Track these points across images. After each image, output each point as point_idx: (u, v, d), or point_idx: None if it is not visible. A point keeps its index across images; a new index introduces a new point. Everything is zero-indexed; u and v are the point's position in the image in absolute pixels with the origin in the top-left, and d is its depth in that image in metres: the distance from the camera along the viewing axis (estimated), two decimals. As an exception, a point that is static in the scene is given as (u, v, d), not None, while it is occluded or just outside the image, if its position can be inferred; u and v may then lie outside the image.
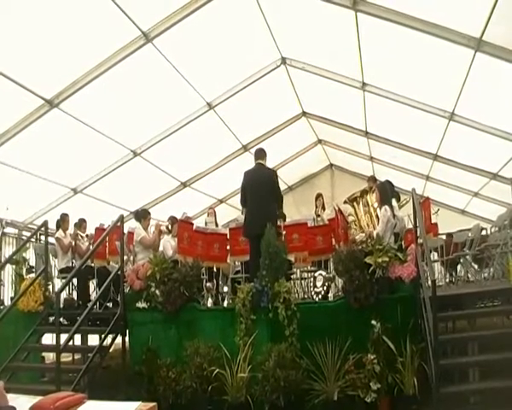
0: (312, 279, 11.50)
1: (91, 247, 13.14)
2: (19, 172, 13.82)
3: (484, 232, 14.57)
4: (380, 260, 9.77)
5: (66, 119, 12.97)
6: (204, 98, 15.24)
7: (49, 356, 12.50)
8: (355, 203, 12.42)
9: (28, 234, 14.43)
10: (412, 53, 12.20)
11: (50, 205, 15.81)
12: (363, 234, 11.63)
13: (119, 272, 11.50)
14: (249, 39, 13.47)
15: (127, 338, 11.31)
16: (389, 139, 17.77)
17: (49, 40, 10.72)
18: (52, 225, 13.47)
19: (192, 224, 13.02)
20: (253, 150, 15.82)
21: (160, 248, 13.07)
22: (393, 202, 11.51)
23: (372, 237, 10.69)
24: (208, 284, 11.58)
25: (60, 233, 13.49)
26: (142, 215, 13.45)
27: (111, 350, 11.21)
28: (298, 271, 13.18)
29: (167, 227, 13.59)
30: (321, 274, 11.13)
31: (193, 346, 10.19)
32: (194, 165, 18.61)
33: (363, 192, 12.46)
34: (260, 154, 11.94)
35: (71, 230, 13.80)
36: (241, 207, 12.46)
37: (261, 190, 11.38)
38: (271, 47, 14.40)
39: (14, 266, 13.07)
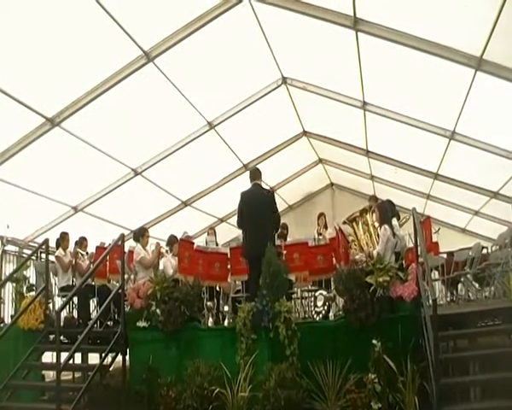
0: (313, 299, 11.51)
1: (92, 265, 13.15)
2: (20, 191, 13.82)
3: (485, 251, 14.56)
4: (381, 279, 9.77)
5: (67, 137, 12.99)
6: (205, 117, 15.27)
7: (49, 374, 12.47)
8: (354, 224, 12.42)
9: (29, 252, 14.40)
10: (413, 72, 12.24)
11: (51, 223, 15.79)
12: (363, 254, 11.63)
13: (119, 291, 11.52)
14: (250, 59, 13.51)
15: (127, 357, 11.31)
16: (390, 158, 17.80)
17: (51, 59, 10.77)
18: (53, 244, 13.49)
19: (193, 243, 13.01)
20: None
21: (161, 267, 13.06)
22: (394, 221, 11.50)
23: (372, 256, 10.68)
24: (209, 304, 11.56)
25: (60, 252, 13.49)
26: (139, 234, 13.50)
27: (111, 369, 11.18)
28: (298, 290, 13.18)
29: (167, 251, 13.59)
30: (321, 294, 11.13)
31: (193, 365, 10.17)
32: (195, 184, 18.62)
33: (363, 211, 12.46)
34: (255, 174, 11.93)
35: (71, 248, 13.79)
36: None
37: (259, 210, 11.36)
38: (272, 67, 14.46)
39: (14, 284, 13.05)
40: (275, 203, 11.79)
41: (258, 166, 12.49)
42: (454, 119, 13.46)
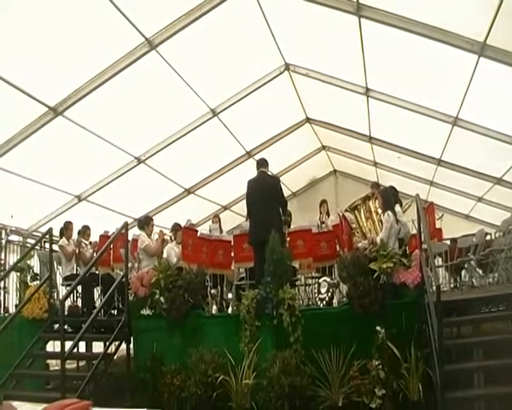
0: (317, 286, 11.53)
1: (95, 254, 13.16)
2: (23, 180, 13.85)
3: (488, 237, 14.54)
4: (384, 265, 9.77)
5: (70, 126, 12.99)
6: (208, 105, 15.25)
7: (53, 363, 12.49)
8: (356, 211, 12.42)
9: (32, 241, 14.44)
10: (416, 58, 12.21)
11: (55, 212, 15.82)
12: (366, 241, 11.63)
13: (123, 280, 11.53)
14: (253, 46, 13.48)
15: (132, 345, 11.35)
16: (393, 144, 17.76)
17: (53, 47, 10.75)
18: (56, 233, 13.51)
19: (196, 231, 13.02)
20: (257, 157, 15.81)
21: (164, 256, 13.06)
22: (397, 207, 11.48)
23: (375, 242, 10.67)
24: (213, 291, 11.58)
25: (63, 241, 13.50)
26: (144, 222, 13.44)
27: (115, 357, 11.21)
28: (302, 277, 13.19)
29: (171, 238, 13.60)
30: (325, 280, 11.14)
31: (197, 353, 10.18)
32: (199, 172, 18.62)
33: (365, 198, 12.46)
34: (262, 163, 12.06)
35: (74, 237, 13.80)
36: (245, 213, 12.42)
37: (265, 197, 11.43)
38: (275, 53, 14.42)
39: (18, 274, 13.09)
40: (280, 189, 11.84)
41: (264, 157, 12.48)
42: (457, 104, 13.44)
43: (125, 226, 11.72)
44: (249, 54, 13.72)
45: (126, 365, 11.13)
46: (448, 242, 14.50)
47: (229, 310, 11.33)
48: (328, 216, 15.20)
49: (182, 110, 14.85)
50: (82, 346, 12.08)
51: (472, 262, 13.71)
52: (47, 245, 13.45)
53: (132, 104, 13.33)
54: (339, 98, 15.91)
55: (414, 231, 11.47)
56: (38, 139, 12.69)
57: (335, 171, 24.26)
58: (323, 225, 14.58)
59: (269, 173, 12.14)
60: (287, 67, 15.34)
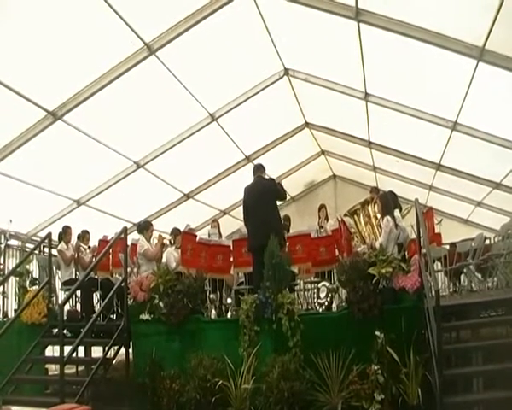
0: (316, 290, 11.52)
1: (94, 259, 13.15)
2: (22, 184, 13.84)
3: (487, 242, 14.55)
4: (383, 270, 9.75)
5: (69, 130, 12.98)
6: (207, 110, 15.24)
7: (52, 368, 12.48)
8: (355, 216, 12.42)
9: (32, 246, 14.44)
10: (415, 63, 12.23)
11: (54, 217, 15.81)
12: (365, 246, 11.62)
13: (122, 284, 11.52)
14: (252, 51, 13.49)
15: (131, 350, 11.34)
16: (392, 149, 17.76)
17: (53, 52, 10.75)
18: (55, 237, 13.50)
19: (195, 235, 13.01)
20: (256, 162, 15.81)
21: (164, 260, 13.05)
22: (396, 212, 11.48)
23: (374, 247, 10.67)
24: (212, 296, 11.57)
25: (62, 245, 13.50)
26: (144, 227, 13.42)
27: (114, 362, 11.20)
28: (301, 282, 13.17)
29: (170, 241, 13.59)
30: (324, 285, 11.13)
31: (196, 357, 10.18)
32: (198, 176, 18.61)
33: (365, 203, 12.47)
34: (259, 167, 12.09)
35: (73, 242, 13.79)
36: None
37: (262, 201, 11.43)
38: (274, 58, 14.43)
39: (17, 279, 13.06)
40: (277, 190, 11.79)
41: (260, 162, 12.51)
42: (456, 109, 13.44)
43: (124, 231, 11.73)
44: (248, 59, 13.72)
45: (125, 369, 11.15)
46: (447, 246, 14.51)
47: (229, 315, 11.32)
48: (327, 221, 15.20)
49: (181, 115, 14.83)
50: (81, 351, 12.08)
51: (471, 267, 13.72)
52: (46, 250, 13.45)
53: (131, 109, 13.32)
54: (338, 103, 15.91)
55: (413, 236, 11.46)
56: (37, 144, 12.68)
57: (334, 175, 24.25)
58: (322, 230, 14.56)
59: (265, 177, 12.13)
60: (286, 72, 15.34)
